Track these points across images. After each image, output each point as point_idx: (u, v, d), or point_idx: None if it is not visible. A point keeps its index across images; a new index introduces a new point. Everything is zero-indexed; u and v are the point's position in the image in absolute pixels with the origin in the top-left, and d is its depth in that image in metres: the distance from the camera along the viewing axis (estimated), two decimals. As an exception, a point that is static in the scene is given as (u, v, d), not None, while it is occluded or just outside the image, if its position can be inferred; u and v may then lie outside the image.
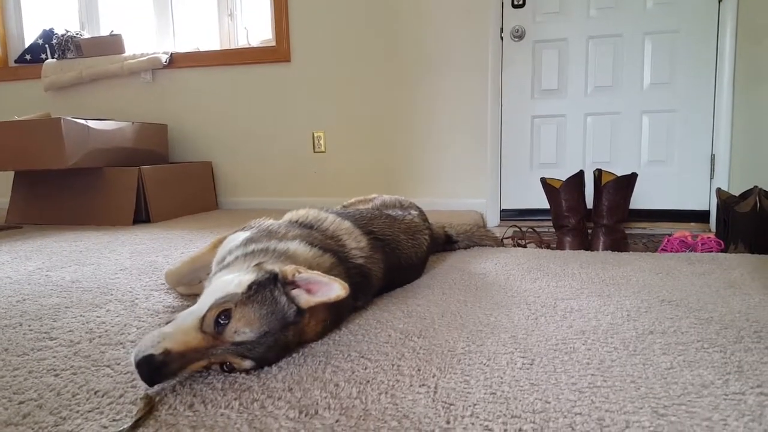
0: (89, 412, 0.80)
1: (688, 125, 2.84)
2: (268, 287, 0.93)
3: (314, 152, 3.45)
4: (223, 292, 0.92)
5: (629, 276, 1.57)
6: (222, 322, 0.87)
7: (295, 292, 0.96)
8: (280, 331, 0.92)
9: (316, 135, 3.43)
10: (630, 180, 2.25)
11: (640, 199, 2.85)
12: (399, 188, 3.22)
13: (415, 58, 3.19)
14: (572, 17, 2.95)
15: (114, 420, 0.77)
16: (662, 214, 2.91)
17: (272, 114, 3.50)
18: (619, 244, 2.19)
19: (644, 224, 2.87)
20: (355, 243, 1.29)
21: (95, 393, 0.86)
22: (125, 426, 0.74)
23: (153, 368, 0.80)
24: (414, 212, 1.67)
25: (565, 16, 2.96)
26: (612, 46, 2.92)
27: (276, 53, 3.44)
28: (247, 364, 0.89)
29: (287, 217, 1.39)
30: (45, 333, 1.16)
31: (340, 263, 1.17)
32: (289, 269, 0.97)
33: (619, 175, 2.26)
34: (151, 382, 0.82)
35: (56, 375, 0.94)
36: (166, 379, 0.84)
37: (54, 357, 1.02)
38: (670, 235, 2.19)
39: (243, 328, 0.87)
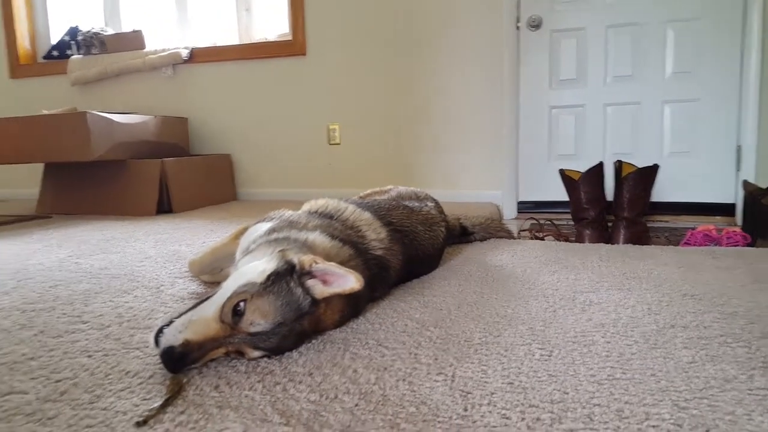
0: (121, 391, 0.84)
1: (713, 115, 2.79)
2: (285, 278, 0.95)
3: (329, 144, 3.47)
4: (244, 279, 0.95)
5: (650, 269, 1.55)
6: (239, 312, 0.89)
7: (310, 283, 0.98)
8: (295, 321, 0.94)
9: (330, 127, 3.45)
10: (651, 172, 2.23)
11: (662, 192, 2.82)
12: (414, 180, 3.23)
13: (430, 50, 3.19)
14: (591, 6, 2.92)
15: (145, 399, 0.81)
16: (685, 207, 2.87)
17: (288, 107, 3.53)
18: (640, 237, 2.17)
19: (666, 217, 2.84)
20: (375, 234, 1.30)
21: (126, 373, 0.90)
22: (156, 405, 0.77)
23: (174, 359, 0.85)
24: (430, 204, 1.68)
25: (583, 5, 2.93)
26: (632, 34, 2.88)
27: (292, 47, 3.46)
28: (257, 354, 0.92)
29: (306, 207, 1.41)
30: (77, 317, 1.20)
31: (359, 255, 1.19)
32: (306, 259, 0.99)
33: (640, 166, 2.24)
34: (174, 371, 0.87)
35: (89, 356, 0.98)
36: (187, 367, 0.87)
37: (86, 339, 1.06)
38: (693, 228, 2.17)
39: (258, 320, 0.90)
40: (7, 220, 2.79)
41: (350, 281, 0.97)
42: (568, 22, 2.96)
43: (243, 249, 1.22)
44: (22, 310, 1.26)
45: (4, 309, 1.26)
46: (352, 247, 1.19)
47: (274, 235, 1.17)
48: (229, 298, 0.91)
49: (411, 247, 1.42)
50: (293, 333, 0.95)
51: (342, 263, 1.06)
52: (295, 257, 1.00)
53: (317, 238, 1.16)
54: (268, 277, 0.95)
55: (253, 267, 0.99)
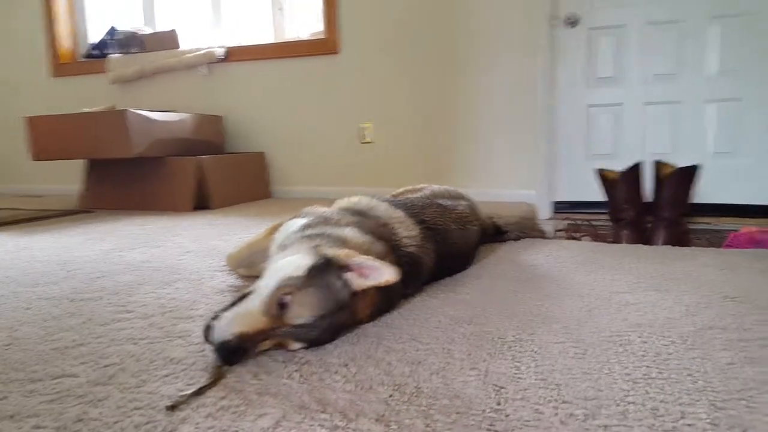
0: (166, 376, 0.87)
1: (758, 115, 2.70)
2: (324, 271, 0.98)
3: (361, 143, 3.49)
4: (284, 273, 0.97)
5: (690, 271, 1.53)
6: (284, 305, 0.92)
7: (348, 275, 1.00)
8: (336, 313, 0.97)
9: (363, 126, 3.47)
10: (692, 172, 2.18)
11: (704, 193, 2.75)
12: (447, 178, 3.22)
13: (464, 47, 3.18)
14: (631, 2, 2.86)
15: (188, 384, 0.84)
16: (728, 208, 2.78)
17: (321, 105, 3.56)
18: (680, 239, 2.13)
19: (708, 219, 2.76)
20: (407, 232, 1.31)
21: (170, 360, 0.94)
22: (189, 391, 0.80)
23: (229, 352, 0.88)
24: (464, 202, 1.68)
25: (623, 1, 2.87)
26: (674, 31, 2.81)
27: (325, 45, 3.49)
28: (297, 346, 0.95)
29: (339, 204, 1.43)
30: (122, 306, 1.25)
31: (392, 251, 1.20)
32: (343, 253, 1.02)
33: (680, 166, 2.19)
34: (229, 363, 0.89)
35: (135, 343, 1.02)
36: (240, 360, 0.90)
37: (132, 328, 1.11)
38: (736, 230, 2.11)
39: (302, 312, 0.93)
40: (53, 214, 2.90)
41: (386, 273, 0.99)
42: (606, 20, 2.92)
43: (278, 244, 1.25)
44: (71, 299, 1.31)
45: (54, 298, 1.32)
46: (385, 244, 1.20)
47: (309, 231, 1.19)
48: (274, 292, 0.93)
49: (444, 245, 1.42)
50: (333, 326, 0.98)
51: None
52: (330, 251, 1.02)
53: (351, 233, 1.18)
54: (309, 270, 0.97)
55: (290, 262, 1.02)
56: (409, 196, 1.71)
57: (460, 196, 1.72)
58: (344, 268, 1.00)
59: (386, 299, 1.15)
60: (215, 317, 0.92)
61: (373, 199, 1.42)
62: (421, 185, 1.83)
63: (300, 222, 1.29)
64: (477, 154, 3.24)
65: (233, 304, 0.96)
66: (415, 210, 1.42)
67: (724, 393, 0.80)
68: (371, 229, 1.23)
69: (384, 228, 1.27)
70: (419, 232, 1.33)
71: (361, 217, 1.30)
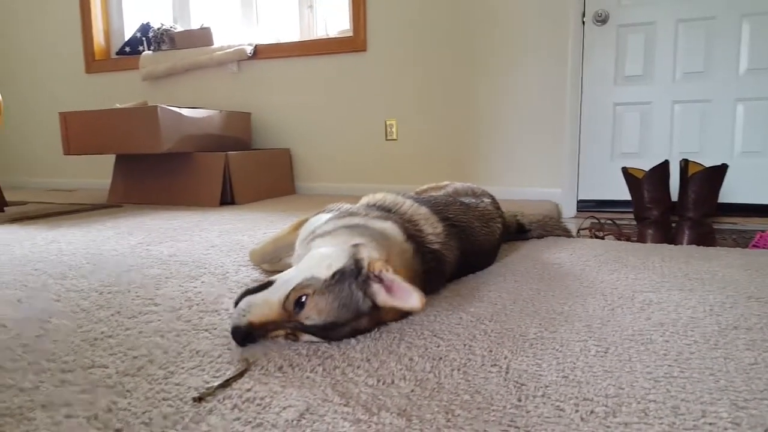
0: (192, 368, 0.90)
1: (789, 115, 2.66)
2: (348, 279, 0.97)
3: (386, 140, 3.50)
4: (310, 271, 0.98)
5: (715, 271, 1.51)
6: (300, 305, 0.94)
7: (375, 288, 0.98)
8: (351, 322, 0.97)
9: (388, 123, 3.48)
10: (720, 171, 2.15)
11: (731, 193, 2.71)
12: (471, 176, 3.22)
13: (491, 45, 3.17)
14: (660, 0, 2.83)
15: (214, 376, 0.86)
16: (756, 208, 2.75)
17: (347, 102, 3.58)
18: (705, 238, 2.10)
19: (735, 219, 2.72)
20: (432, 229, 1.31)
21: (197, 353, 0.96)
22: (214, 384, 0.83)
23: (240, 336, 0.95)
24: (487, 200, 1.68)
25: (653, -1, 2.85)
26: (704, 29, 2.77)
27: (353, 43, 3.51)
28: (306, 338, 0.98)
29: (364, 200, 1.44)
30: (150, 299, 1.28)
31: (418, 250, 1.20)
32: (378, 264, 0.99)
33: (707, 166, 2.16)
34: (242, 345, 0.96)
35: (162, 336, 1.04)
36: (252, 342, 0.97)
37: (159, 320, 1.13)
38: (763, 231, 2.08)
39: (314, 316, 0.94)
40: (82, 208, 2.98)
41: (413, 300, 0.97)
42: (636, 17, 2.88)
43: (303, 239, 1.26)
44: (100, 291, 1.35)
45: (83, 290, 1.35)
46: (413, 242, 1.20)
47: (354, 221, 1.20)
48: (294, 289, 0.95)
49: (467, 242, 1.43)
50: (346, 330, 0.98)
51: (408, 260, 1.10)
52: (367, 258, 1.01)
53: (392, 228, 1.18)
54: (333, 275, 0.97)
55: (323, 256, 1.02)
56: (433, 193, 1.72)
57: (483, 194, 1.72)
58: (374, 278, 0.99)
59: None
60: (246, 293, 0.98)
61: (398, 196, 1.43)
62: (445, 183, 1.84)
63: (325, 217, 1.30)
64: (502, 151, 3.23)
65: (261, 287, 0.99)
66: (439, 207, 1.43)
67: (747, 393, 0.79)
68: (401, 226, 1.24)
69: (410, 224, 1.28)
70: (443, 229, 1.34)
71: (386, 213, 1.31)
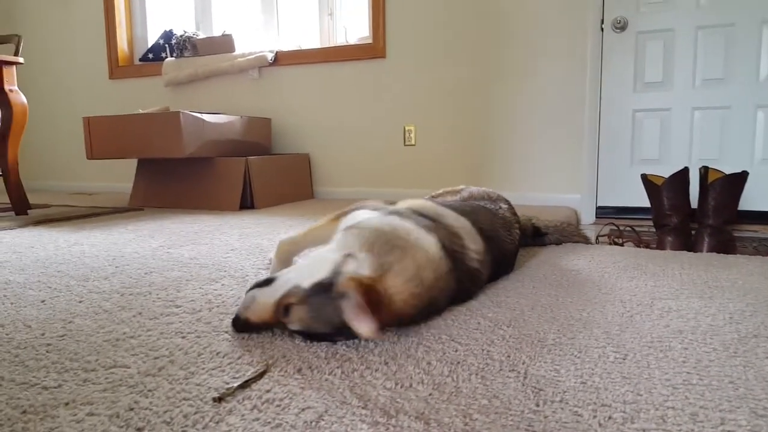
0: (213, 369, 0.91)
1: (811, 122, 2.63)
2: (325, 292, 0.97)
3: (404, 145, 3.52)
4: (304, 275, 1.02)
5: (735, 279, 1.50)
6: (287, 310, 0.99)
7: (344, 304, 0.94)
8: (334, 330, 0.98)
9: (407, 128, 3.49)
10: (740, 179, 2.13)
11: (752, 200, 2.68)
12: (489, 181, 3.22)
13: (509, 52, 3.17)
14: (680, 7, 2.81)
15: (234, 377, 0.87)
16: (777, 216, 2.72)
17: (366, 108, 3.61)
18: (725, 246, 2.08)
19: (755, 227, 2.69)
20: (474, 245, 1.28)
21: (217, 354, 0.98)
22: (234, 385, 0.84)
23: (238, 327, 1.05)
24: (504, 205, 1.66)
25: (672, 6, 2.83)
26: (724, 36, 2.75)
27: (372, 50, 3.54)
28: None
29: (405, 204, 1.39)
30: (171, 301, 1.30)
31: (455, 268, 1.18)
32: (349, 283, 0.96)
33: (727, 173, 2.14)
34: (239, 332, 1.06)
35: (183, 337, 1.06)
36: (249, 332, 1.06)
37: (180, 322, 1.15)
38: (784, 239, 2.06)
39: (297, 323, 0.99)
40: (104, 211, 3.03)
41: (363, 328, 0.91)
42: (655, 24, 2.87)
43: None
44: (121, 293, 1.37)
45: (105, 292, 1.38)
46: (452, 259, 1.18)
47: (419, 220, 1.21)
48: (282, 296, 1.00)
49: (497, 253, 1.41)
50: (333, 335, 1.00)
51: (438, 277, 1.11)
52: (345, 273, 0.99)
53: (431, 244, 1.15)
54: (312, 286, 0.98)
55: (315, 261, 1.07)
56: (449, 198, 1.71)
57: (499, 199, 1.71)
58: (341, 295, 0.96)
59: (429, 306, 1.11)
60: (254, 286, 1.06)
61: (438, 206, 1.38)
62: (460, 186, 1.82)
63: (365, 213, 1.30)
64: (520, 157, 3.22)
65: (266, 282, 1.05)
66: (474, 217, 1.39)
67: (766, 401, 0.79)
68: (444, 238, 1.20)
69: (455, 239, 1.25)
70: (483, 244, 1.31)
71: (431, 221, 1.26)
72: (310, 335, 1.01)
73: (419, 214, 1.28)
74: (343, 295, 0.95)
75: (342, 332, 0.97)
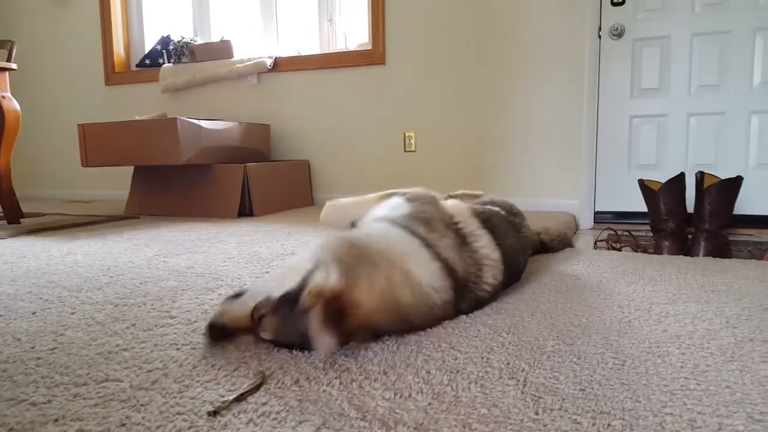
0: (208, 382, 0.90)
1: (805, 126, 2.64)
2: (291, 304, 0.96)
3: (405, 151, 3.52)
4: (276, 285, 1.03)
5: (731, 283, 1.50)
6: (260, 320, 1.01)
7: (308, 318, 0.92)
8: (304, 340, 0.95)
9: (407, 135, 3.50)
10: (735, 184, 2.14)
11: (746, 205, 2.69)
12: (488, 187, 3.22)
13: (508, 58, 3.18)
14: (676, 14, 2.84)
15: (230, 390, 0.86)
16: (771, 220, 2.73)
17: (366, 114, 3.61)
18: (721, 250, 2.09)
19: (750, 231, 2.70)
20: (492, 279, 1.25)
21: (212, 366, 0.96)
22: (229, 398, 0.83)
23: (213, 334, 1.07)
24: (525, 222, 1.56)
25: (668, 13, 2.86)
26: (719, 43, 2.78)
27: (372, 56, 3.54)
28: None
29: (447, 206, 1.32)
30: (166, 312, 1.29)
31: (461, 298, 1.17)
32: (307, 297, 0.94)
33: (722, 178, 2.15)
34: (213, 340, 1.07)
35: (178, 349, 1.05)
36: (222, 340, 1.07)
37: (175, 333, 1.14)
38: (780, 242, 2.06)
39: (267, 333, 1.00)
40: (99, 219, 3.01)
41: (320, 344, 0.91)
42: (651, 31, 2.89)
43: (376, 216, 1.27)
44: (115, 304, 1.35)
45: (98, 303, 1.36)
46: (457, 290, 1.15)
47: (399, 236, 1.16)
48: (255, 306, 1.01)
49: (510, 279, 1.39)
50: (305, 344, 0.97)
51: (430, 314, 1.10)
52: (311, 285, 0.96)
53: (494, 259, 1.21)
54: (280, 298, 0.99)
55: (289, 270, 1.09)
56: (467, 202, 1.55)
57: (518, 213, 1.57)
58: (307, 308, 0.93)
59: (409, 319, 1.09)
60: (233, 296, 1.11)
61: (479, 226, 1.28)
62: (478, 192, 1.69)
63: (400, 200, 1.29)
64: (519, 163, 3.23)
65: (236, 296, 1.10)
66: (505, 248, 1.29)
67: (763, 405, 0.79)
68: (458, 264, 1.16)
69: (475, 269, 1.21)
70: (501, 275, 1.27)
71: (455, 240, 1.20)
72: (283, 345, 1.02)
73: (445, 227, 1.21)
74: (306, 309, 0.93)
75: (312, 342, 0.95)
